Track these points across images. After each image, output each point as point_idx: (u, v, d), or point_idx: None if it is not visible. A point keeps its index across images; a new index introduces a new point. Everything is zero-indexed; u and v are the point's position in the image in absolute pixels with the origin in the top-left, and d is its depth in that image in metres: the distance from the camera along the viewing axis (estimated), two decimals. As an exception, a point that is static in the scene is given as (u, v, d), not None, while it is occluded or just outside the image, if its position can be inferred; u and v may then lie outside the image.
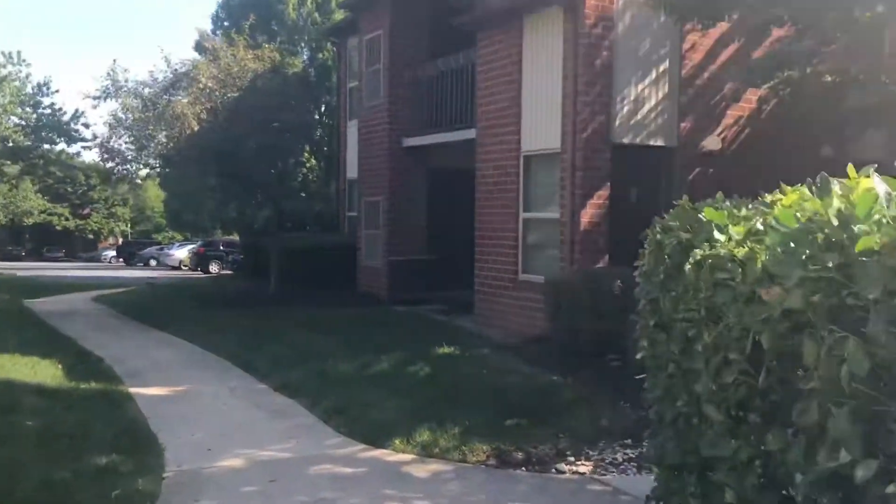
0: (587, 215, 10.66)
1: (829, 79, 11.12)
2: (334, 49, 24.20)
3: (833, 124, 12.26)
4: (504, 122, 12.06)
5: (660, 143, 11.34)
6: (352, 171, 18.35)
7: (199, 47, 19.94)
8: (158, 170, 18.62)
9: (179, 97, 15.41)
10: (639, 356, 4.09)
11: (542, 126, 11.43)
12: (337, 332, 11.95)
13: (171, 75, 15.73)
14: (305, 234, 18.63)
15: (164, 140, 15.68)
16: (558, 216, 11.03)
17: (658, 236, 3.81)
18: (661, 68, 11.31)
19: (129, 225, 70.94)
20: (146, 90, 15.82)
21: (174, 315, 15.29)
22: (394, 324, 12.73)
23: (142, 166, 17.99)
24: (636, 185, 11.29)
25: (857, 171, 2.69)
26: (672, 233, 3.63)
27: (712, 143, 11.45)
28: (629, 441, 6.77)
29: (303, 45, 32.26)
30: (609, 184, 10.81)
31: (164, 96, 15.55)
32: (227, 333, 12.48)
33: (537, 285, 11.00)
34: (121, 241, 64.59)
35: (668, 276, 3.60)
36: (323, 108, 27.71)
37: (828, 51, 11.06)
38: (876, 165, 2.69)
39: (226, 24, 32.71)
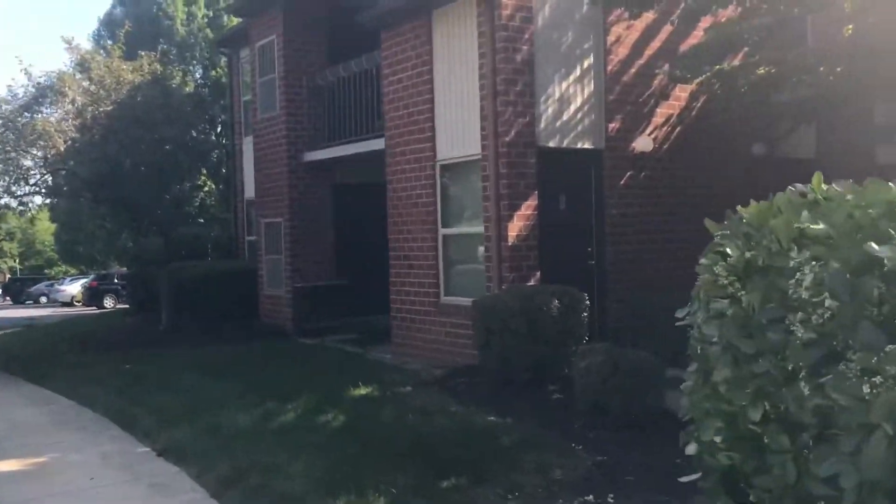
0: (514, 228, 9.53)
1: (762, 71, 10.37)
2: (227, 62, 22.56)
3: (765, 121, 11.57)
4: (416, 128, 10.84)
5: (587, 145, 10.34)
6: (249, 192, 16.79)
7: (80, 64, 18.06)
8: (31, 201, 16.60)
9: (43, 114, 13.58)
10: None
11: (459, 131, 10.26)
12: (235, 373, 10.43)
13: (34, 89, 13.85)
14: (199, 262, 16.95)
15: (30, 164, 13.79)
16: (482, 230, 9.86)
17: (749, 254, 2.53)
18: (586, 63, 10.33)
19: (17, 260, 66.64)
20: (3, 107, 13.86)
21: (50, 362, 13.40)
22: (301, 360, 11.28)
23: (11, 198, 15.91)
24: (565, 192, 10.25)
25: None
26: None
27: (643, 143, 10.53)
28: (590, 498, 5.60)
29: (195, 62, 30.35)
30: (537, 192, 9.72)
31: (26, 114, 13.64)
32: (109, 382, 10.78)
33: (463, 309, 9.80)
34: (7, 277, 60.40)
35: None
36: (219, 129, 25.99)
37: (759, 40, 10.32)
38: None
39: (109, 42, 30.55)
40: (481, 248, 9.95)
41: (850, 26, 10.05)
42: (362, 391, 8.65)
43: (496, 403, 7.93)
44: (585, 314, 8.85)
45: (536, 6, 9.83)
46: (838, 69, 10.02)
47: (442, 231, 10.62)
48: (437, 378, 9.26)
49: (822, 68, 10.18)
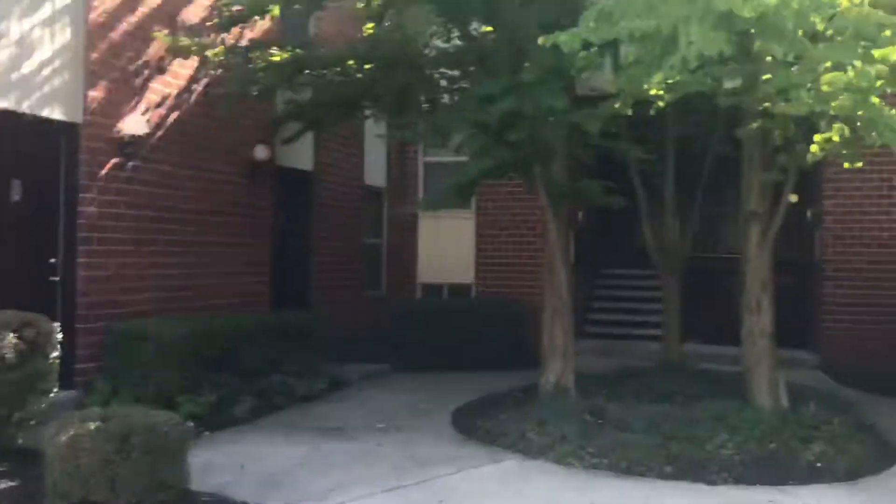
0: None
1: (279, 57, 8.81)
2: None
3: (274, 120, 10.04)
4: None
5: (58, 115, 7.44)
6: None
7: None
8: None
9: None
10: None
11: None
12: None
13: None
14: None
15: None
16: None
17: None
18: (59, 2, 7.44)
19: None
20: None
21: None
22: None
23: None
24: (22, 178, 7.17)
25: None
26: None
27: (135, 125, 8.02)
28: None
29: None
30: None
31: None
32: None
33: None
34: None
35: None
36: None
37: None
38: None
39: None
40: None
41: (372, 25, 9.11)
42: None
43: None
44: (56, 354, 6.04)
45: None
46: (356, 73, 9.00)
47: None
48: None
49: (338, 68, 9.05)
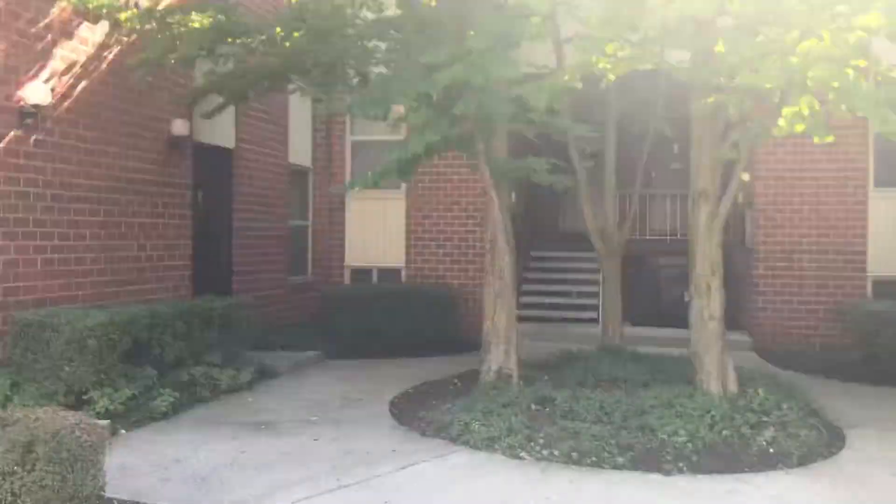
0: None
1: (199, 24, 8.15)
2: None
3: (192, 92, 9.37)
4: None
5: (-52, 81, 6.64)
6: None
7: None
8: None
9: None
10: None
11: None
12: None
13: None
14: None
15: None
16: None
17: None
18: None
19: None
20: None
21: None
22: None
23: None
24: None
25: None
26: None
27: (37, 93, 7.25)
28: None
29: None
30: None
31: None
32: None
33: None
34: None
35: None
36: None
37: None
38: None
39: None
40: None
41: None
42: None
43: None
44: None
45: None
46: (283, 42, 8.42)
47: None
48: None
49: (262, 36, 8.46)
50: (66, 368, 6.68)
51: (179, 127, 9.30)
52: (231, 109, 10.59)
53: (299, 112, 12.59)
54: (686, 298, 7.44)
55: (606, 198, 9.26)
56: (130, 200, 8.65)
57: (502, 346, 7.47)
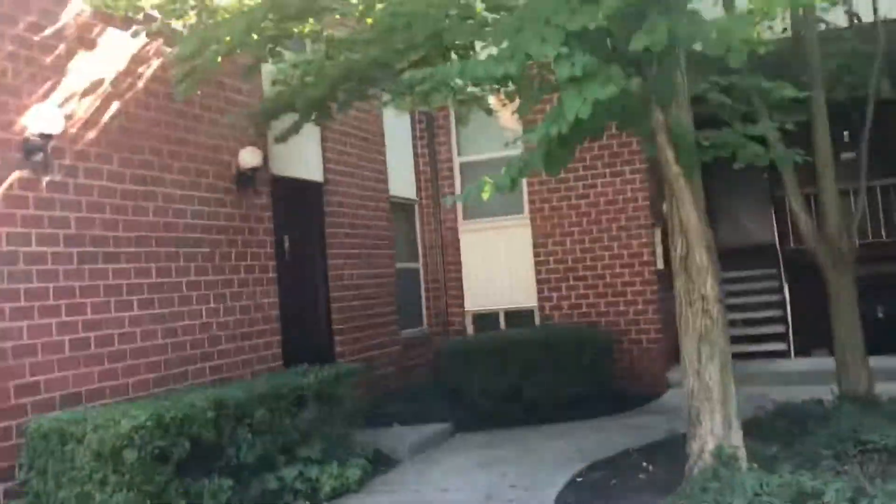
0: None
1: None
2: None
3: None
4: None
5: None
6: None
7: None
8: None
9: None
10: None
11: None
12: None
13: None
14: None
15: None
16: None
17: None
18: None
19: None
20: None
21: None
22: None
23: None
24: None
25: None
26: None
27: (44, 119, 5.42)
28: None
29: None
30: None
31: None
32: None
33: None
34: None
35: None
36: None
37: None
38: None
39: None
40: None
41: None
42: None
43: None
44: None
45: None
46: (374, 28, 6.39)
47: None
48: None
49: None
50: (98, 497, 4.68)
51: (249, 157, 7.37)
52: (316, 135, 8.71)
53: (397, 133, 10.60)
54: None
55: (825, 190, 6.70)
56: (192, 254, 6.73)
57: (719, 415, 5.02)
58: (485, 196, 4.23)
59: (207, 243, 6.93)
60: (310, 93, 6.74)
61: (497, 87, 6.14)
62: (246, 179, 7.45)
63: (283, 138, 7.36)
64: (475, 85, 7.59)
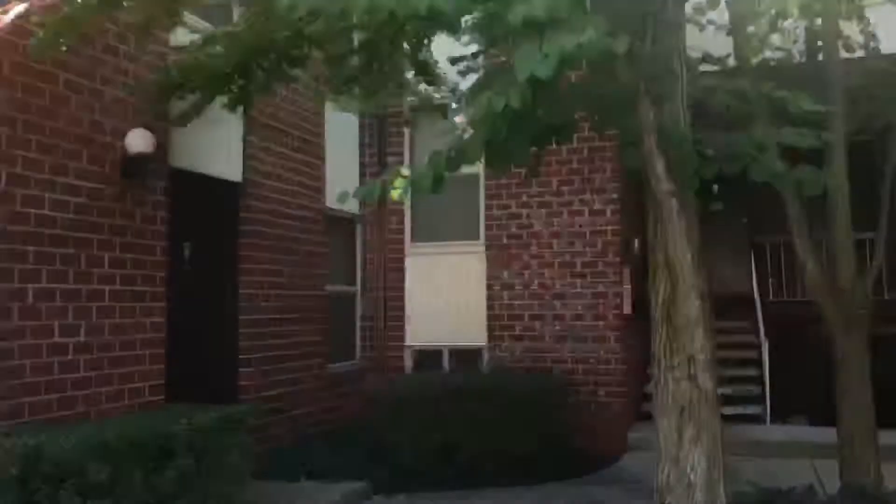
0: None
1: None
2: None
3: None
4: None
5: None
6: None
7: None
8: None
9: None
10: None
11: None
12: None
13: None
14: None
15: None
16: None
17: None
18: None
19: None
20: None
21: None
22: None
23: None
24: None
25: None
26: None
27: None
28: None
29: None
30: None
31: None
32: None
33: None
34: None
35: None
36: None
37: None
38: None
39: None
40: None
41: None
42: None
43: None
44: None
45: None
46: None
47: None
48: None
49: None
50: None
51: (137, 141, 5.95)
52: (238, 126, 7.37)
53: (342, 137, 9.28)
54: None
55: (837, 238, 5.46)
56: (46, 255, 5.30)
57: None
58: (394, 196, 2.93)
59: (72, 243, 5.50)
60: (214, 63, 5.40)
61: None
62: (133, 170, 6.04)
63: (182, 121, 5.99)
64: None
